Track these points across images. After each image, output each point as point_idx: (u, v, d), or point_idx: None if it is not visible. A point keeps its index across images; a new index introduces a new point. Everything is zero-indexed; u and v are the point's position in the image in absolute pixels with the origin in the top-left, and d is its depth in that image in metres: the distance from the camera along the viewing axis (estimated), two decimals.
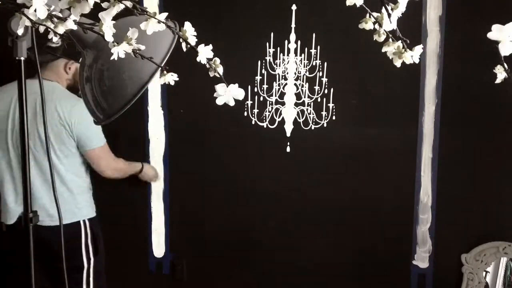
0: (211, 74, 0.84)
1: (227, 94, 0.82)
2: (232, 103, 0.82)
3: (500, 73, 0.88)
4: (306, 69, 2.49)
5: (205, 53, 0.82)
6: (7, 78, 2.06)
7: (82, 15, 0.76)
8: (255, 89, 2.51)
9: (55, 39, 1.93)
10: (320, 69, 2.48)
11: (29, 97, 1.89)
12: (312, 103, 2.51)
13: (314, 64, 2.48)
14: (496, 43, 0.78)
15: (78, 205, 2.18)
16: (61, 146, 2.07)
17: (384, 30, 0.84)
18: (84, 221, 2.18)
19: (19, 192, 2.07)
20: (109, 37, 0.78)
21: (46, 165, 2.03)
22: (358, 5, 0.82)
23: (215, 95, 0.82)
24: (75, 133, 2.08)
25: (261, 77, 2.50)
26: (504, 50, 0.78)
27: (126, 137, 2.57)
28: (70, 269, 1.88)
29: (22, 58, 1.34)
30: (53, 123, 2.03)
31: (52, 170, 1.40)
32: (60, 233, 1.71)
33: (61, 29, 0.77)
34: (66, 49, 2.05)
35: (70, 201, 2.14)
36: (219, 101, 0.82)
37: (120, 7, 0.75)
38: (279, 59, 2.48)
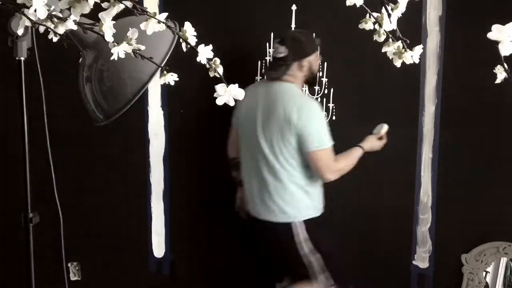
0: (211, 74, 0.84)
1: (227, 94, 0.82)
2: (232, 103, 0.82)
3: (500, 73, 0.88)
4: None
5: (205, 53, 0.82)
6: (7, 78, 2.06)
7: (82, 15, 0.76)
8: None
9: (281, 49, 2.12)
10: (320, 69, 2.48)
11: (262, 99, 2.13)
12: None
13: None
14: (496, 43, 0.78)
15: (294, 206, 2.19)
16: (285, 144, 2.11)
17: (384, 30, 0.84)
18: (294, 223, 2.19)
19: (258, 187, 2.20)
20: (109, 37, 0.78)
21: (277, 166, 2.12)
22: (358, 5, 0.82)
23: (215, 95, 0.82)
24: (300, 139, 2.09)
25: (261, 77, 2.50)
26: (504, 50, 0.78)
27: (126, 137, 2.57)
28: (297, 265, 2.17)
29: (22, 58, 1.34)
30: (278, 122, 2.08)
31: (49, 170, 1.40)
32: (289, 229, 2.14)
33: (61, 29, 0.77)
34: (296, 53, 2.13)
35: (289, 202, 2.17)
36: (219, 101, 0.82)
37: (120, 7, 0.75)
38: None
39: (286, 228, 2.16)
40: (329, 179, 2.16)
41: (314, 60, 2.20)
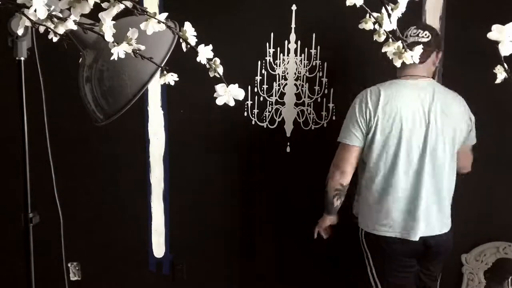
0: (211, 74, 0.84)
1: (227, 94, 0.82)
2: (232, 103, 0.82)
3: (500, 73, 0.88)
4: (306, 69, 2.49)
5: (205, 53, 0.82)
6: (7, 78, 2.06)
7: (82, 15, 0.76)
8: (255, 89, 2.51)
9: (425, 33, 2.00)
10: (320, 69, 2.48)
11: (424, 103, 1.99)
12: (312, 103, 2.51)
13: (314, 64, 2.48)
14: (496, 43, 0.78)
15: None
16: (456, 147, 2.07)
17: (384, 30, 0.84)
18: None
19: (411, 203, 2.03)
20: (109, 37, 0.78)
21: (445, 172, 2.04)
22: (358, 5, 0.82)
23: (215, 95, 0.82)
24: (470, 132, 2.11)
25: (261, 77, 2.50)
26: (504, 50, 0.78)
27: (126, 137, 2.57)
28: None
29: (22, 58, 1.34)
30: (459, 123, 2.04)
31: (52, 171, 1.39)
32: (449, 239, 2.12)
33: (61, 29, 0.77)
34: (436, 39, 2.06)
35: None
36: (219, 101, 0.82)
37: (120, 7, 0.75)
38: (279, 59, 2.48)
39: (450, 235, 2.15)
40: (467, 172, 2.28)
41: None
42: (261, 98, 2.52)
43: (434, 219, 2.04)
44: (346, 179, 2.10)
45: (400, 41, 0.86)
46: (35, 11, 0.71)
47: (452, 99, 2.06)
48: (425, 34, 2.02)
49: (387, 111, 1.99)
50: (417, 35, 2.02)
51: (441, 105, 2.00)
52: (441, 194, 2.05)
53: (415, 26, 2.05)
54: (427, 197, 2.02)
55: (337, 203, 2.16)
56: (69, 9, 0.75)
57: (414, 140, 1.98)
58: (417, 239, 2.02)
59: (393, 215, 2.03)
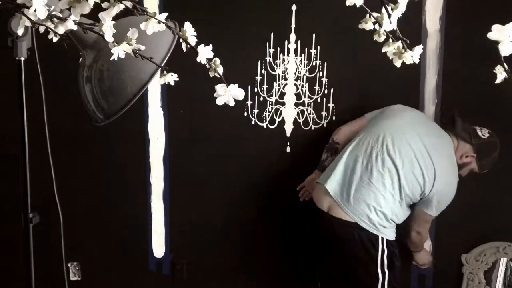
0: (211, 74, 0.84)
1: (227, 94, 0.82)
2: (232, 103, 0.82)
3: (500, 73, 0.88)
4: (306, 69, 2.49)
5: (205, 53, 0.82)
6: (7, 78, 2.06)
7: (82, 15, 0.76)
8: (255, 89, 2.51)
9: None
10: (320, 69, 2.48)
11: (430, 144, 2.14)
12: (312, 103, 2.51)
13: (314, 64, 2.48)
14: (496, 43, 0.78)
15: (388, 222, 2.15)
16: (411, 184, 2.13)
17: (384, 30, 0.84)
18: (382, 238, 2.15)
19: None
20: (109, 37, 0.78)
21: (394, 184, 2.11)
22: (358, 5, 0.82)
23: (215, 95, 0.82)
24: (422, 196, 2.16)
25: (261, 77, 2.50)
26: (504, 50, 0.78)
27: (126, 137, 2.57)
28: (366, 277, 2.15)
29: (22, 58, 1.34)
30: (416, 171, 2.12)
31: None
32: (363, 236, 2.11)
33: (61, 29, 0.77)
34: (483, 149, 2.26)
35: (385, 216, 2.13)
36: (219, 101, 0.82)
37: (120, 7, 0.75)
38: (279, 59, 2.48)
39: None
40: None
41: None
42: (261, 98, 2.52)
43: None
44: (337, 135, 2.35)
45: (400, 41, 0.86)
46: (35, 11, 0.71)
47: (438, 163, 2.12)
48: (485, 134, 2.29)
49: (391, 113, 2.26)
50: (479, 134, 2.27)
51: (426, 151, 2.12)
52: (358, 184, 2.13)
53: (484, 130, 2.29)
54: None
55: (323, 156, 2.37)
56: (69, 9, 0.75)
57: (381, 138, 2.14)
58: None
59: None
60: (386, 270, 2.13)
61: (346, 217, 2.12)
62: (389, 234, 2.16)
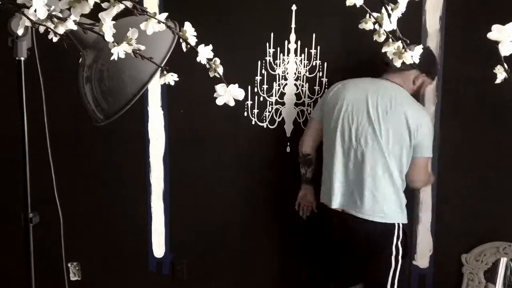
0: (211, 74, 0.84)
1: (227, 94, 0.82)
2: (232, 103, 0.82)
3: (500, 73, 0.88)
4: (306, 69, 2.49)
5: (205, 53, 0.82)
6: (7, 78, 2.07)
7: (82, 15, 0.76)
8: (255, 89, 2.51)
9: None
10: (320, 69, 2.48)
11: (383, 97, 2.10)
12: (312, 103, 2.51)
13: (314, 64, 2.48)
14: (496, 43, 0.78)
15: (400, 207, 2.18)
16: (395, 147, 2.10)
17: (384, 30, 0.84)
18: (398, 224, 2.16)
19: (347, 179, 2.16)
20: (109, 37, 0.78)
21: (387, 163, 2.11)
22: (358, 5, 0.82)
23: (215, 95, 0.82)
24: (416, 141, 2.12)
25: (261, 77, 2.50)
26: (504, 50, 0.78)
27: (126, 137, 2.57)
28: (379, 266, 2.16)
29: (22, 58, 1.34)
30: (398, 125, 2.09)
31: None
32: (378, 229, 2.12)
33: (61, 29, 0.77)
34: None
35: (396, 203, 2.15)
36: (219, 101, 0.82)
37: (120, 7, 0.75)
38: (279, 59, 2.48)
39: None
40: (417, 187, 2.36)
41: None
42: (261, 98, 2.52)
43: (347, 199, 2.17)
44: (303, 148, 2.37)
45: (400, 41, 0.86)
46: (35, 11, 0.71)
47: (406, 107, 2.11)
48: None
49: (332, 99, 2.22)
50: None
51: (386, 108, 2.09)
52: (361, 185, 2.12)
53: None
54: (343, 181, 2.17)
55: (302, 171, 2.40)
56: (69, 9, 0.75)
57: (346, 130, 2.14)
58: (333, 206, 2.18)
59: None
60: (399, 258, 2.15)
61: (362, 217, 2.14)
62: (403, 218, 2.19)
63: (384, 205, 2.13)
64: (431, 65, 2.27)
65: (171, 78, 0.92)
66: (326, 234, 2.29)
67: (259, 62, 2.49)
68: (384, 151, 2.10)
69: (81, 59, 1.15)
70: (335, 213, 2.20)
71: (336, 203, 2.18)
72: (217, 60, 0.83)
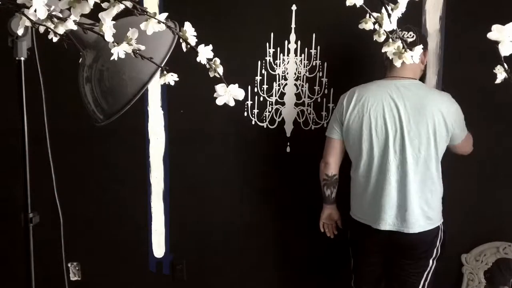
0: (211, 74, 0.84)
1: (227, 94, 0.81)
2: (232, 103, 0.82)
3: (500, 73, 0.88)
4: (306, 69, 2.49)
5: (205, 53, 0.82)
6: (7, 78, 2.07)
7: (82, 15, 0.76)
8: (255, 89, 2.51)
9: (410, 33, 2.04)
10: (320, 69, 2.48)
11: (409, 99, 2.02)
12: (312, 103, 2.51)
13: (314, 64, 2.48)
14: (496, 43, 0.78)
15: (441, 207, 2.16)
16: (432, 149, 2.04)
17: (384, 30, 0.84)
18: (440, 225, 2.14)
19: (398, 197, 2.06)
20: (109, 37, 0.78)
21: (430, 169, 2.05)
22: (358, 5, 0.82)
23: (215, 95, 0.82)
24: (454, 131, 2.08)
25: (261, 77, 2.50)
26: (504, 50, 0.78)
27: (126, 137, 2.57)
28: (418, 269, 2.13)
29: (22, 58, 1.34)
30: (433, 125, 2.02)
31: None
32: (424, 235, 2.08)
33: (61, 29, 0.77)
34: (421, 39, 2.11)
35: (439, 205, 2.14)
36: (219, 101, 0.82)
37: (120, 7, 0.75)
38: (279, 59, 2.48)
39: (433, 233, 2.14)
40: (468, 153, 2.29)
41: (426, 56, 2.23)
42: (261, 98, 2.52)
43: (395, 217, 2.08)
44: (329, 170, 2.23)
45: (400, 41, 0.86)
46: (35, 11, 0.71)
47: (432, 100, 2.04)
48: (410, 35, 2.09)
49: (355, 110, 2.10)
50: (403, 35, 2.09)
51: (415, 105, 2.02)
52: (406, 191, 2.05)
53: (399, 29, 2.07)
54: (391, 193, 2.06)
55: (328, 192, 2.28)
56: (69, 9, 0.75)
57: (380, 137, 2.05)
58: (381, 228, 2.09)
59: (364, 205, 2.15)
60: (436, 260, 2.14)
61: (410, 232, 2.09)
62: (441, 215, 2.17)
63: (430, 212, 2.08)
64: (425, 38, 2.26)
65: (171, 78, 0.92)
66: (363, 250, 2.22)
67: (259, 62, 2.49)
68: (426, 157, 2.03)
69: (81, 59, 1.14)
70: (376, 231, 2.11)
71: (386, 225, 2.08)
72: (217, 60, 0.83)
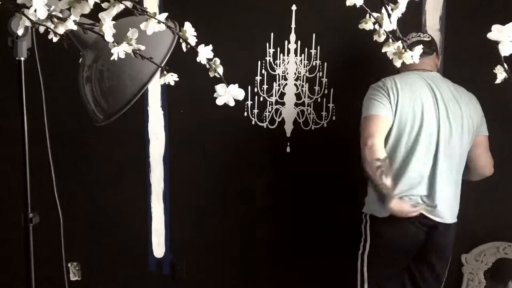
0: (211, 74, 0.84)
1: (227, 94, 0.82)
2: (232, 103, 0.82)
3: (500, 73, 0.88)
4: (306, 69, 2.49)
5: (205, 53, 0.82)
6: (7, 78, 2.07)
7: (82, 15, 0.76)
8: (255, 89, 2.51)
9: (426, 35, 2.17)
10: (320, 69, 2.48)
11: (445, 91, 2.03)
12: (312, 103, 2.51)
13: (314, 64, 2.48)
14: (496, 43, 0.78)
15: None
16: (466, 142, 2.06)
17: (384, 30, 0.84)
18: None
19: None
20: (109, 38, 0.78)
21: (462, 162, 2.07)
22: (358, 5, 0.82)
23: (215, 95, 0.82)
24: (482, 121, 2.14)
25: (261, 77, 2.50)
26: (504, 50, 0.78)
27: (126, 137, 2.57)
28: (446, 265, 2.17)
29: (22, 58, 1.34)
30: (471, 116, 2.06)
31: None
32: (453, 229, 2.11)
33: (61, 29, 0.77)
34: (432, 44, 2.16)
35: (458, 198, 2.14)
36: (219, 101, 0.82)
37: (120, 7, 0.75)
38: (279, 59, 2.48)
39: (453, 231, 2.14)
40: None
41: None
42: (261, 98, 2.52)
43: (447, 206, 2.07)
44: (379, 152, 1.90)
45: (400, 41, 0.86)
46: (35, 11, 0.71)
47: (462, 89, 2.13)
48: (426, 36, 2.17)
49: (406, 97, 1.98)
50: (419, 36, 2.15)
51: (453, 93, 2.06)
52: (454, 181, 2.08)
53: (415, 32, 2.20)
54: (442, 183, 2.03)
55: (388, 181, 1.91)
56: (69, 9, 0.75)
57: (429, 128, 2.00)
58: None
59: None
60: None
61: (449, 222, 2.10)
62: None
63: (457, 205, 2.13)
64: (436, 43, 2.27)
65: (171, 78, 0.92)
66: (404, 243, 2.08)
67: (259, 62, 2.49)
68: (461, 150, 2.05)
69: (81, 59, 1.15)
70: (424, 222, 2.05)
71: (450, 219, 2.07)
72: (217, 60, 0.83)
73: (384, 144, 1.96)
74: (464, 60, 2.39)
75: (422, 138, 1.99)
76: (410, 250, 2.10)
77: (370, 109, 1.97)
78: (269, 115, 2.53)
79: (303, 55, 2.47)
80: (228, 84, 0.81)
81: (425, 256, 2.12)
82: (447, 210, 2.06)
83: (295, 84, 2.50)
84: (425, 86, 2.05)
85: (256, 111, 2.53)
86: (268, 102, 2.52)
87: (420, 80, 2.06)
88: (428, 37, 2.16)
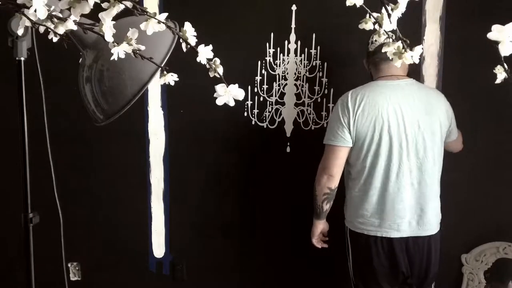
0: (211, 74, 0.84)
1: (227, 94, 0.81)
2: (232, 103, 0.82)
3: (500, 73, 0.88)
4: (306, 69, 2.49)
5: (205, 53, 0.82)
6: (7, 78, 2.07)
7: (82, 15, 0.76)
8: (255, 89, 2.51)
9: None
10: (320, 69, 2.48)
11: (415, 100, 1.98)
12: (312, 103, 2.51)
13: (314, 64, 2.48)
14: (496, 43, 0.78)
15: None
16: (439, 148, 2.04)
17: (384, 30, 0.84)
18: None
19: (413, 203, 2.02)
20: (109, 38, 0.78)
21: (438, 168, 2.05)
22: (358, 6, 0.82)
23: (215, 95, 0.82)
24: (451, 127, 2.11)
25: (261, 77, 2.50)
26: (504, 50, 0.78)
27: (126, 137, 2.57)
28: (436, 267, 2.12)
29: (22, 58, 1.34)
30: (443, 120, 2.03)
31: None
32: (437, 240, 2.09)
33: (61, 30, 0.77)
34: None
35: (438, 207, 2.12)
36: (219, 101, 0.82)
37: (120, 7, 0.75)
38: (279, 59, 2.48)
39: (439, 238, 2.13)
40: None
41: None
42: (261, 98, 2.52)
43: (414, 221, 2.04)
44: (334, 183, 2.06)
45: (400, 41, 0.86)
46: (35, 11, 0.71)
47: (434, 97, 2.05)
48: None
49: (366, 112, 1.98)
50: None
51: (423, 104, 2.00)
52: (424, 194, 2.03)
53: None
54: (408, 198, 2.02)
55: (326, 207, 2.13)
56: (69, 9, 0.75)
57: (394, 140, 1.97)
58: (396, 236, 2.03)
59: (371, 214, 2.05)
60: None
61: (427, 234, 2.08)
62: None
63: (439, 210, 2.11)
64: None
65: (171, 78, 0.92)
66: (375, 263, 2.09)
67: (259, 62, 2.49)
68: (436, 157, 2.02)
69: (81, 59, 1.14)
70: (388, 241, 2.05)
71: (405, 231, 2.03)
72: (217, 60, 0.83)
73: (344, 163, 2.07)
74: (464, 60, 2.39)
75: (382, 152, 1.99)
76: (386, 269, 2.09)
77: (332, 138, 2.05)
78: (269, 115, 2.53)
79: (303, 55, 2.47)
80: (228, 84, 0.81)
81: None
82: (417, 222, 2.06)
83: (295, 84, 2.50)
84: (392, 98, 1.97)
85: (256, 111, 2.53)
86: (268, 102, 2.52)
87: (387, 91, 1.99)
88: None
